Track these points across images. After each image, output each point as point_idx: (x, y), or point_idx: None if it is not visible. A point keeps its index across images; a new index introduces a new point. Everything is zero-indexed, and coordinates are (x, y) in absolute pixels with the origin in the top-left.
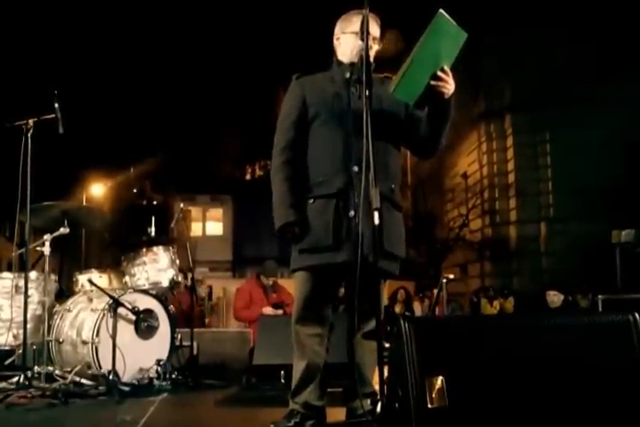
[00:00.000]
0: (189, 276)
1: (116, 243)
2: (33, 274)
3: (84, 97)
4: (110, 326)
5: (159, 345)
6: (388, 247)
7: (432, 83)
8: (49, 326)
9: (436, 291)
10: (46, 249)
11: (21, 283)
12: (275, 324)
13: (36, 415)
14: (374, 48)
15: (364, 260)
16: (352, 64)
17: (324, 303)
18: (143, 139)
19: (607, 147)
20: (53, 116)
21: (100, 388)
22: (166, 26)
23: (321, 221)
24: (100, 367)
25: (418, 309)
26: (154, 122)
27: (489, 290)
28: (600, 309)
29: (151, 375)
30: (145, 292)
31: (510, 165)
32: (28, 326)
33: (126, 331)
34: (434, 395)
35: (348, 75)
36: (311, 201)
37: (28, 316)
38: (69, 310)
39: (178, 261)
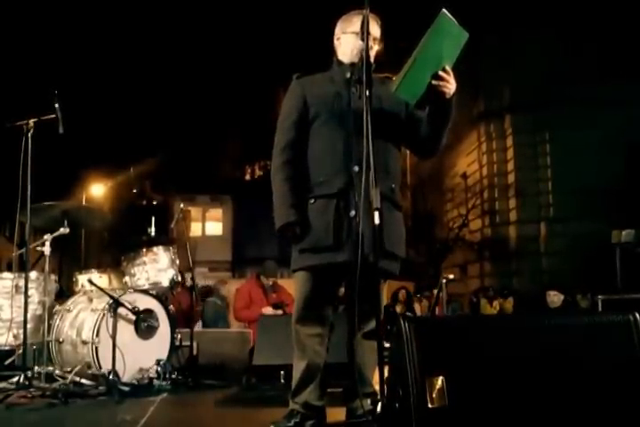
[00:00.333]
0: (189, 276)
1: (116, 243)
2: (33, 274)
3: (84, 97)
4: (110, 326)
5: (159, 345)
6: (388, 247)
7: (434, 82)
8: (49, 326)
9: (435, 291)
10: (46, 249)
11: (21, 283)
12: (275, 324)
13: (36, 415)
14: (375, 48)
15: (364, 260)
16: (352, 64)
17: (324, 303)
18: (143, 139)
19: (607, 147)
20: (54, 116)
21: (100, 388)
22: (167, 26)
23: (321, 221)
24: (100, 367)
25: (417, 309)
26: (154, 122)
27: (489, 290)
28: (600, 309)
29: (151, 375)
30: (145, 292)
31: (510, 166)
32: (29, 326)
33: (126, 331)
34: (434, 395)
35: (348, 75)
36: (312, 201)
37: (29, 316)
38: (69, 310)
39: (178, 262)
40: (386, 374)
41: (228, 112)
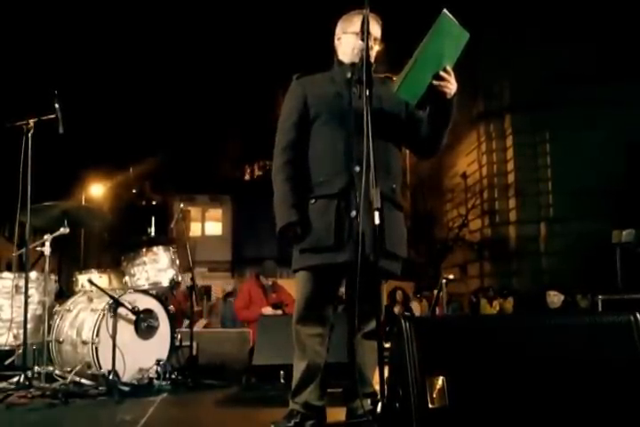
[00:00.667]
0: (188, 276)
1: (116, 243)
2: (33, 274)
3: (84, 97)
4: (110, 326)
5: (159, 345)
6: (389, 247)
7: (434, 83)
8: (49, 326)
9: (435, 291)
10: (46, 249)
11: (21, 283)
12: (274, 324)
13: (36, 415)
14: (375, 48)
15: (365, 260)
16: (353, 64)
17: (325, 303)
18: (143, 139)
19: (607, 147)
20: (54, 116)
21: (100, 388)
22: (167, 27)
23: (322, 221)
24: (100, 367)
25: (417, 309)
26: (154, 122)
27: (488, 290)
28: (600, 309)
29: (151, 375)
30: (145, 292)
31: (510, 165)
32: (29, 326)
33: (126, 331)
34: (434, 395)
35: (348, 75)
36: (312, 201)
37: (29, 316)
38: (69, 310)
39: (178, 262)
40: (386, 374)
41: (228, 112)
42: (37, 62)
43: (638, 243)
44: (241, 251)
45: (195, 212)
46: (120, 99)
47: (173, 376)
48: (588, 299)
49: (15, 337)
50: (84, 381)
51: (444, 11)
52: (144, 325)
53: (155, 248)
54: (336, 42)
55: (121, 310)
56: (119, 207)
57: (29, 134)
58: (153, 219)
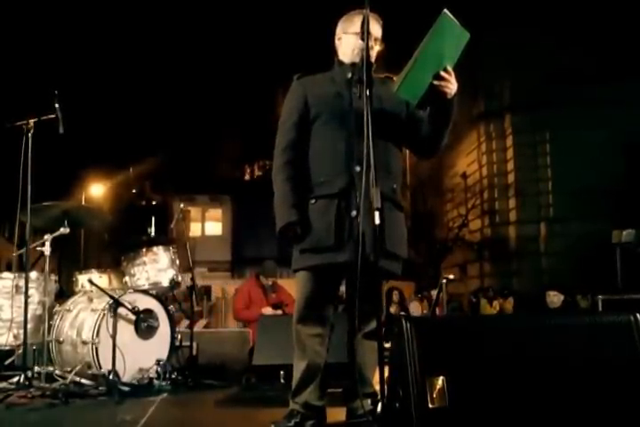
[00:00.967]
0: (189, 276)
1: (116, 243)
2: (33, 274)
3: (84, 97)
4: (110, 326)
5: (159, 345)
6: (389, 247)
7: (435, 82)
8: (49, 326)
9: (434, 291)
10: (46, 249)
11: (22, 283)
12: (274, 324)
13: (36, 415)
14: (375, 48)
15: (365, 260)
16: (353, 64)
17: (325, 303)
18: (143, 139)
19: (607, 147)
20: (54, 116)
21: (100, 388)
22: (166, 26)
23: (323, 221)
24: (100, 367)
25: (418, 309)
26: (153, 122)
27: (488, 290)
28: (600, 309)
29: (151, 375)
30: (145, 292)
31: (510, 165)
32: (29, 326)
33: (126, 331)
34: (434, 395)
35: (349, 75)
36: (313, 201)
37: (29, 316)
38: (69, 310)
39: (178, 262)
40: (386, 374)
41: (228, 112)
42: (37, 62)
43: (638, 243)
44: (241, 251)
45: (195, 212)
46: (120, 99)
47: (173, 376)
48: (588, 299)
49: (15, 337)
50: (84, 381)
51: (445, 11)
52: (144, 325)
53: (155, 248)
54: (336, 42)
55: (121, 310)
56: (119, 207)
57: (29, 134)
58: (153, 219)
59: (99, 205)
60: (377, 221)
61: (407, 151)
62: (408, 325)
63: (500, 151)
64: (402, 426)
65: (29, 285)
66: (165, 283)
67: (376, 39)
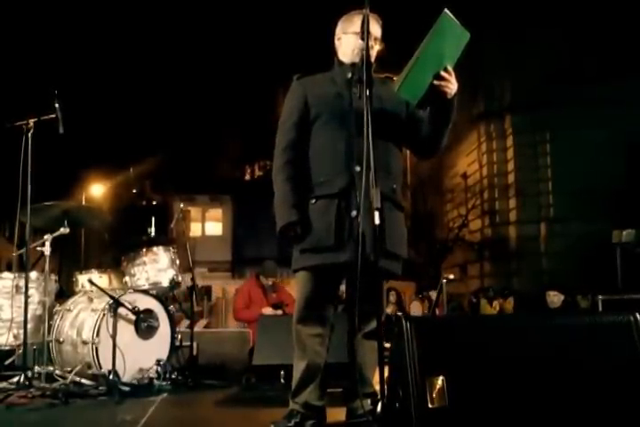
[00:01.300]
0: (189, 276)
1: (116, 243)
2: (33, 274)
3: (84, 97)
4: (110, 326)
5: (159, 345)
6: (389, 247)
7: (435, 82)
8: (49, 326)
9: (432, 292)
10: (46, 249)
11: (22, 283)
12: (274, 324)
13: (36, 415)
14: (375, 48)
15: (365, 260)
16: (353, 64)
17: (325, 303)
18: (143, 139)
19: (607, 147)
20: (54, 116)
21: (100, 388)
22: (167, 26)
23: (323, 221)
24: (100, 367)
25: (419, 309)
26: (154, 122)
27: (489, 290)
28: (600, 309)
29: (151, 375)
30: (145, 292)
31: (510, 166)
32: (29, 326)
33: (126, 331)
34: (434, 395)
35: (349, 75)
36: (313, 201)
37: (29, 316)
38: (70, 310)
39: (178, 262)
40: (386, 374)
41: (228, 112)
42: (37, 62)
43: (638, 243)
44: (241, 251)
45: (195, 212)
46: (120, 99)
47: (173, 376)
48: (589, 299)
49: (15, 337)
50: (84, 381)
51: (445, 10)
52: (144, 325)
53: (155, 248)
54: (336, 42)
55: (121, 310)
56: (119, 207)
57: (29, 134)
58: (153, 219)
59: (99, 205)
60: (377, 221)
61: (408, 151)
62: (408, 325)
63: (501, 151)
64: (402, 426)
65: (29, 285)
66: (165, 283)
67: (376, 39)
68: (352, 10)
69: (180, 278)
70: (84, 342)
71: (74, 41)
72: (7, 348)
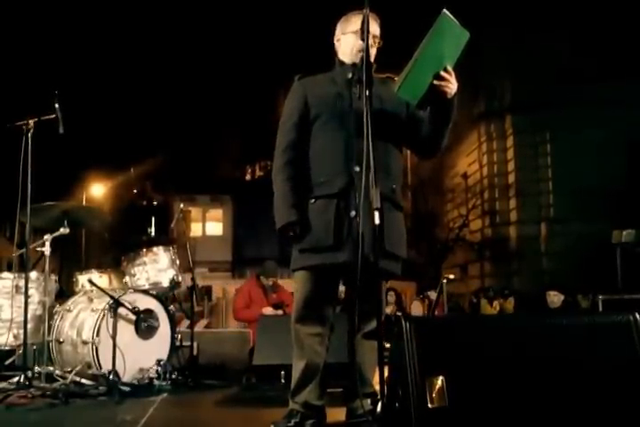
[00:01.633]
0: (189, 276)
1: (117, 243)
2: (33, 274)
3: (84, 97)
4: (110, 326)
5: (159, 345)
6: (389, 247)
7: (435, 82)
8: (49, 326)
9: (431, 292)
10: (46, 249)
11: (22, 283)
12: (275, 324)
13: (36, 415)
14: (375, 47)
15: (364, 260)
16: (353, 64)
17: (324, 303)
18: (143, 139)
19: (608, 147)
20: (54, 116)
21: (100, 388)
22: (167, 27)
23: (322, 221)
24: (101, 367)
25: (419, 309)
26: (154, 122)
27: (489, 290)
28: (600, 309)
29: (151, 375)
30: (145, 292)
31: (510, 166)
32: (29, 326)
33: (126, 331)
34: (434, 395)
35: (349, 75)
36: (312, 201)
37: (29, 316)
38: (70, 310)
39: (178, 262)
40: (386, 374)
41: (228, 112)
42: (37, 62)
43: (638, 243)
44: (241, 251)
45: (195, 212)
46: (120, 99)
47: (174, 376)
48: (589, 299)
49: (15, 337)
50: (84, 381)
51: (445, 10)
52: (144, 325)
53: (155, 248)
54: (336, 43)
55: (121, 310)
56: (120, 207)
57: (29, 134)
58: (153, 219)
59: (99, 205)
60: (376, 221)
61: (408, 151)
62: (408, 325)
63: (501, 151)
64: (401, 426)
65: (29, 285)
66: (165, 283)
67: (375, 37)
68: (352, 10)
69: (180, 278)
70: (84, 342)
71: (74, 41)
72: (7, 348)
